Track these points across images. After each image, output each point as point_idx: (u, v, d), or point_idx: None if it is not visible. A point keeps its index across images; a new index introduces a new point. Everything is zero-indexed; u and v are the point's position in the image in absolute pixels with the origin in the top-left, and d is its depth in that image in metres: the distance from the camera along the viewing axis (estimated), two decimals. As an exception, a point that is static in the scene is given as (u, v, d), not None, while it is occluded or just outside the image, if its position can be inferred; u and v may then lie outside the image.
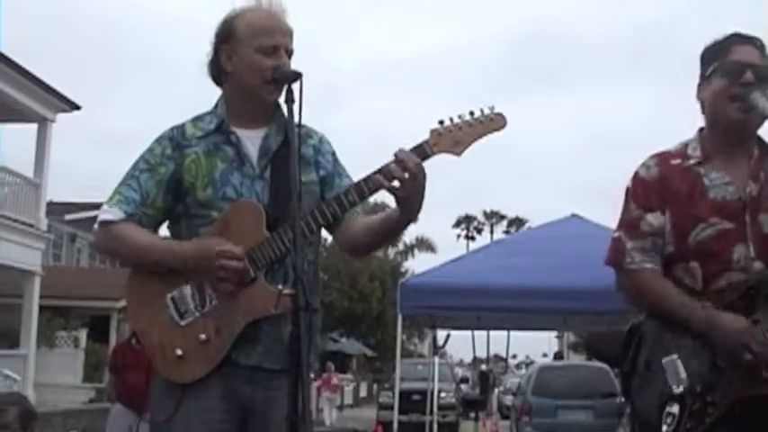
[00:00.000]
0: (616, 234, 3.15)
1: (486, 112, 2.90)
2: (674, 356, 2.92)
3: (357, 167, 3.02)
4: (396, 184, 2.83)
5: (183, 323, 2.94)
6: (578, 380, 16.81)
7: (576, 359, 37.40)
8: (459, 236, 78.02)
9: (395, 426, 12.02)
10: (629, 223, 3.12)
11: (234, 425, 2.92)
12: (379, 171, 2.85)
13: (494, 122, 2.91)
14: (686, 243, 3.01)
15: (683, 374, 2.89)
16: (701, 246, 2.99)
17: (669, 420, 2.86)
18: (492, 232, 76.50)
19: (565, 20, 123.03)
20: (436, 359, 14.62)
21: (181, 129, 3.10)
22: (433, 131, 2.89)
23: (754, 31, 3.11)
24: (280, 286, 2.82)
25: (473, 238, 76.25)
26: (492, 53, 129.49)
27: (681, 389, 2.88)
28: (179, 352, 2.92)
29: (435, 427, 13.23)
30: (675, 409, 2.87)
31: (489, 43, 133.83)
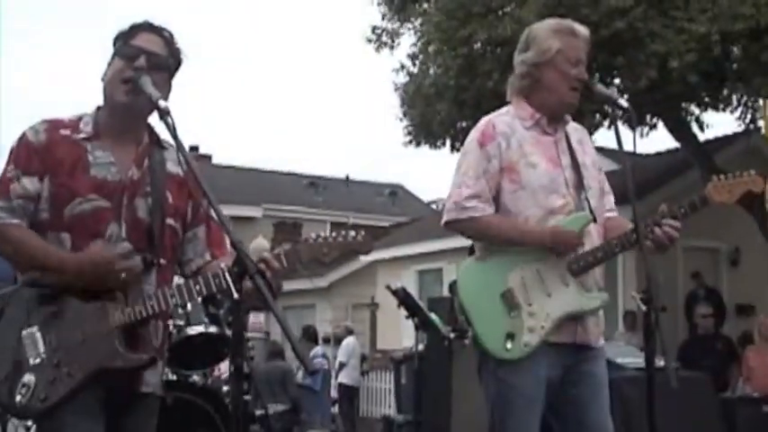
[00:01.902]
0: None
1: None
2: (35, 328, 2.96)
3: None
4: None
5: None
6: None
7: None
8: None
9: None
10: (1, 181, 3.08)
11: None
12: None
13: None
14: (62, 214, 3.04)
15: (42, 347, 2.94)
16: (75, 219, 3.04)
17: (24, 391, 2.89)
18: None
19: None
20: None
21: None
22: None
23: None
24: None
25: None
26: None
27: (38, 360, 2.92)
28: None
29: None
30: (30, 378, 2.90)
31: None
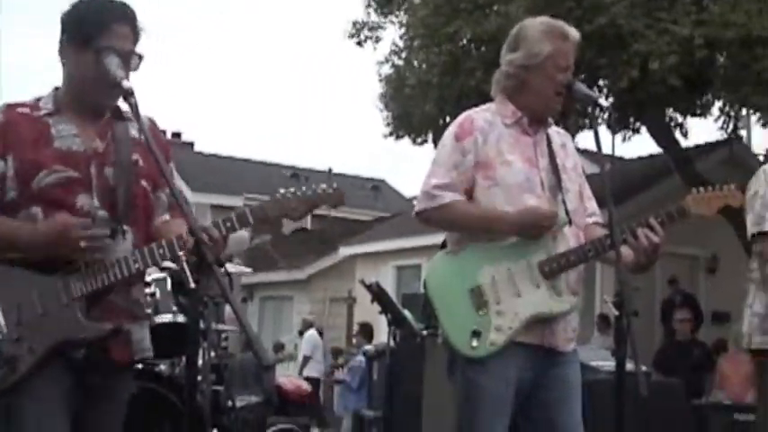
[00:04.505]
0: None
1: None
2: None
3: None
4: None
5: None
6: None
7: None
8: None
9: None
10: None
11: None
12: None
13: None
14: (30, 189, 3.02)
15: (2, 322, 2.89)
16: (43, 192, 3.01)
17: None
18: None
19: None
20: None
21: None
22: None
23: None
24: None
25: None
26: None
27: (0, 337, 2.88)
28: None
29: None
30: None
31: None
